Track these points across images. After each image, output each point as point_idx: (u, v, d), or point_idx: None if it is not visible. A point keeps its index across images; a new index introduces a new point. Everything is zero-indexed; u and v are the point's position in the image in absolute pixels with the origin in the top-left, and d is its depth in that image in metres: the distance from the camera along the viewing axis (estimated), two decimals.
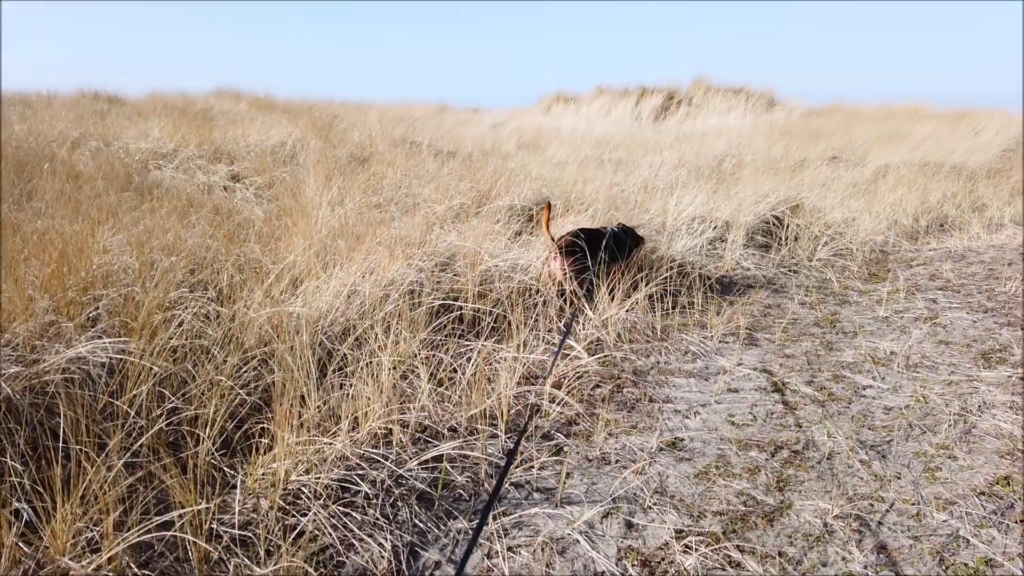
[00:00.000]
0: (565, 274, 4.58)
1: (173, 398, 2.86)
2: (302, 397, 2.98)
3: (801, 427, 3.18)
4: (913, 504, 2.57)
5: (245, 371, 3.15)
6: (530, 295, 4.46)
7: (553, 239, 4.73)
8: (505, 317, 4.12)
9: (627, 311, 4.38)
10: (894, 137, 15.10)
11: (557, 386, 3.49)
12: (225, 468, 2.64)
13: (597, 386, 3.66)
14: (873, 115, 19.78)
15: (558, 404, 3.36)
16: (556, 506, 2.59)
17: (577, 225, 5.54)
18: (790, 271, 5.78)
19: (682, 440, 3.12)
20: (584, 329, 4.17)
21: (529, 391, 3.47)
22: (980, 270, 5.45)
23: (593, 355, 3.88)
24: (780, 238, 6.34)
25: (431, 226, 5.63)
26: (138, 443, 2.57)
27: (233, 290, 3.85)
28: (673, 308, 4.65)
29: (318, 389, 3.09)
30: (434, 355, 3.59)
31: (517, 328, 3.86)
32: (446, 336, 3.89)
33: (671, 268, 5.09)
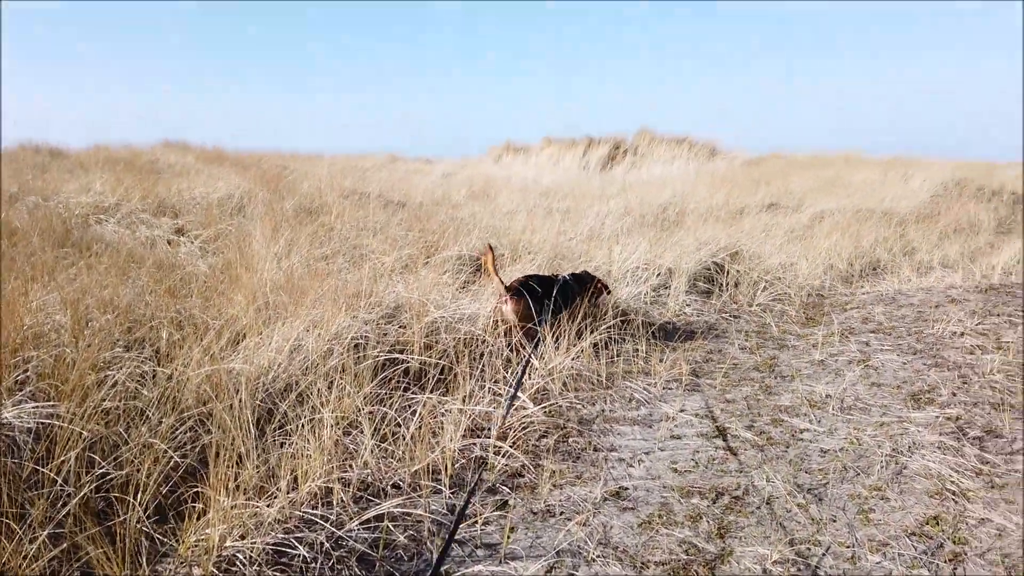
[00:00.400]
0: (517, 316, 4.61)
1: (103, 463, 2.76)
2: (239, 458, 2.90)
3: (742, 472, 3.22)
4: (848, 547, 2.61)
5: (181, 433, 3.06)
6: (476, 345, 4.46)
7: (503, 283, 4.76)
8: (451, 369, 4.10)
9: (573, 359, 4.41)
10: (830, 184, 15.73)
11: (503, 438, 3.48)
12: (157, 536, 2.54)
13: (543, 436, 3.65)
14: (810, 163, 20.60)
15: (503, 456, 3.34)
16: (500, 562, 2.55)
17: (524, 273, 5.58)
18: (731, 316, 5.91)
19: (626, 489, 3.12)
20: (530, 378, 4.17)
21: (475, 443, 3.45)
22: (910, 312, 5.66)
23: (539, 404, 3.88)
24: (721, 284, 6.49)
25: (378, 278, 5.61)
26: (63, 512, 2.46)
27: (172, 348, 3.76)
28: (618, 355, 4.70)
29: (257, 449, 3.02)
30: (378, 410, 3.55)
31: (463, 380, 3.84)
32: (391, 390, 3.85)
33: (616, 316, 5.16)
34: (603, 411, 3.95)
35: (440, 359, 4.22)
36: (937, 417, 3.59)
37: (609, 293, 5.26)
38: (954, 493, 2.89)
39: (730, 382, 4.36)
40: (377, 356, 3.99)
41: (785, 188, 14.57)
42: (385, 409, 3.53)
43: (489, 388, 4.00)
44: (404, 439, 3.31)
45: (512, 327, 4.64)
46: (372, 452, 3.20)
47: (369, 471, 3.12)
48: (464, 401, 3.69)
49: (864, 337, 5.09)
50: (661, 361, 4.62)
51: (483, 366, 4.21)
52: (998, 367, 4.20)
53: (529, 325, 4.62)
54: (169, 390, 3.30)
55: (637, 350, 4.76)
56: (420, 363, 4.16)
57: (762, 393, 4.14)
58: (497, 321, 4.73)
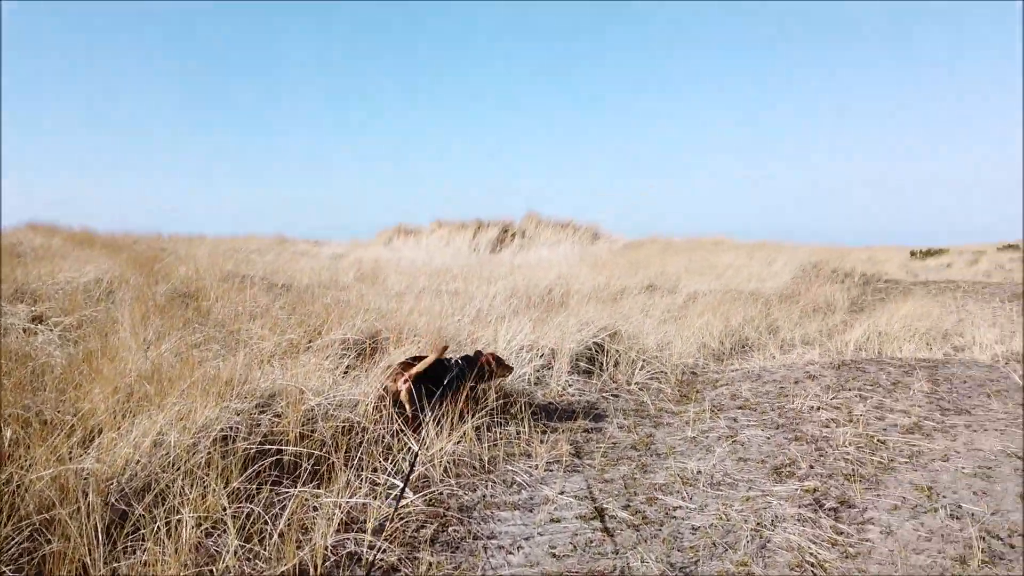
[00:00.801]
0: (410, 396, 4.54)
1: None
2: (84, 568, 2.64)
3: (618, 553, 3.24)
4: None
5: (15, 543, 2.76)
6: (356, 433, 4.33)
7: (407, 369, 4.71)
8: (328, 459, 3.95)
9: (455, 443, 4.36)
10: (702, 266, 16.70)
11: (379, 531, 3.35)
12: None
13: (422, 526, 3.55)
14: (684, 246, 21.85)
15: (379, 551, 3.21)
16: None
17: (408, 355, 5.53)
18: (611, 395, 6.05)
19: None
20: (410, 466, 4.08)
21: (348, 539, 3.30)
22: (773, 388, 6.00)
23: (419, 493, 3.79)
24: (602, 363, 6.67)
25: (255, 364, 5.40)
26: None
27: (14, 447, 3.43)
28: (500, 438, 4.69)
29: (107, 557, 2.77)
30: (245, 506, 3.35)
31: (339, 470, 3.71)
32: (261, 484, 3.66)
33: (499, 397, 5.18)
34: (484, 496, 3.90)
35: (317, 449, 4.06)
36: (796, 490, 3.77)
37: (509, 371, 5.24)
38: (812, 565, 3.01)
39: (608, 461, 4.42)
40: (247, 448, 3.80)
41: (662, 270, 15.34)
42: (252, 506, 3.34)
43: (367, 478, 3.87)
44: (272, 537, 3.13)
45: (403, 405, 4.59)
46: (235, 554, 3.00)
47: (232, 575, 2.92)
48: (339, 493, 3.55)
49: (732, 413, 5.33)
50: (543, 442, 4.64)
51: (361, 455, 4.08)
52: (850, 439, 4.49)
53: (417, 406, 4.57)
54: (6, 495, 2.99)
55: (520, 432, 4.76)
56: (294, 454, 3.98)
57: (639, 471, 4.22)
58: (384, 397, 4.66)
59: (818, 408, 5.19)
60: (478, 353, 5.19)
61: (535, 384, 6.11)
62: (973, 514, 3.45)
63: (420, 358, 4.96)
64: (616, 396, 6.04)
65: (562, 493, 3.94)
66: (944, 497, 3.61)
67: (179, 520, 3.09)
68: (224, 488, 3.43)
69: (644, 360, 6.89)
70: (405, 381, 4.65)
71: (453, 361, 5.01)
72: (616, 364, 6.83)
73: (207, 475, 3.44)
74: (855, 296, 14.82)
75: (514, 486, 4.04)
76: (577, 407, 5.65)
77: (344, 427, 4.34)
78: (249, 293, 9.04)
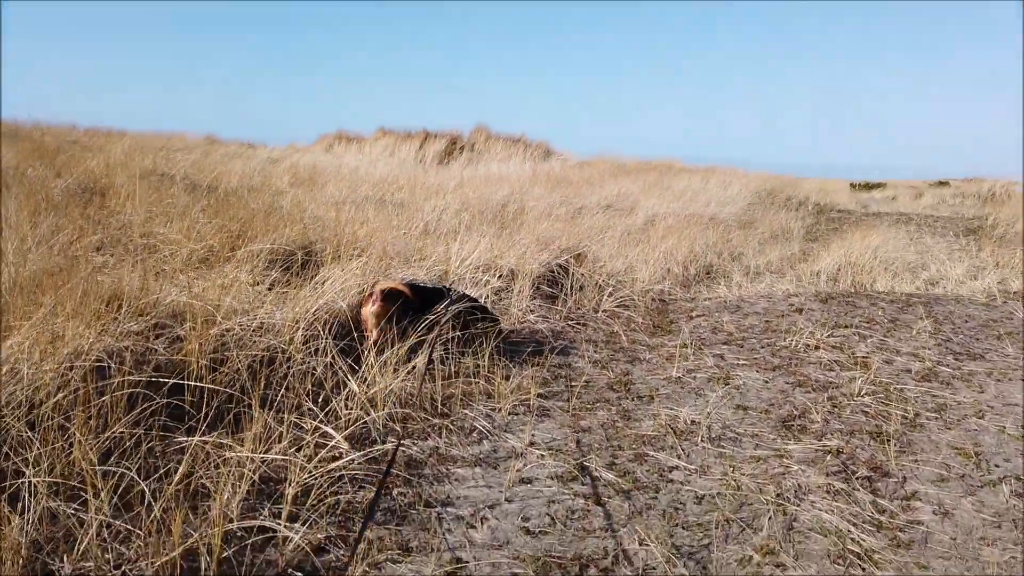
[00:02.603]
0: (379, 321, 3.74)
1: None
2: None
3: (609, 530, 2.54)
4: None
5: None
6: (279, 365, 3.48)
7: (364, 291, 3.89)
8: (241, 398, 3.10)
9: (402, 380, 3.56)
10: (657, 188, 15.97)
11: (302, 497, 2.56)
12: None
13: (361, 488, 2.78)
14: (636, 168, 21.06)
15: (303, 525, 2.43)
16: None
17: (332, 281, 4.65)
18: (578, 323, 5.32)
19: (465, 564, 2.34)
20: (348, 409, 3.27)
21: (261, 509, 2.50)
22: (757, 322, 5.36)
23: (358, 448, 3.00)
24: (566, 288, 5.90)
25: (157, 275, 4.43)
26: None
27: None
28: (456, 374, 3.91)
29: None
30: (122, 464, 2.49)
31: (255, 413, 2.88)
32: (148, 430, 2.79)
33: (455, 326, 4.37)
34: (437, 448, 3.13)
35: (226, 386, 3.20)
36: (816, 451, 3.13)
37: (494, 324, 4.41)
38: (857, 556, 2.37)
39: (583, 404, 3.71)
40: (134, 384, 2.90)
41: (617, 191, 14.55)
42: (126, 467, 2.48)
43: (291, 423, 3.05)
44: (155, 508, 2.30)
45: (372, 331, 3.78)
46: (99, 534, 2.17)
47: (92, 564, 2.09)
48: (253, 445, 2.73)
49: (717, 349, 4.67)
50: (507, 379, 3.89)
51: (283, 393, 3.25)
52: (864, 387, 3.87)
53: (393, 328, 3.78)
54: None
55: (479, 367, 3.99)
56: (196, 392, 3.11)
57: (620, 419, 3.52)
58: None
59: (816, 347, 4.57)
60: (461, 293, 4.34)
61: (493, 309, 5.31)
62: None
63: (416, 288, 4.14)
64: (583, 325, 5.31)
65: (532, 444, 3.21)
66: (997, 467, 3.03)
67: (27, 484, 2.24)
68: (96, 439, 2.57)
69: (611, 286, 6.16)
70: (374, 301, 3.82)
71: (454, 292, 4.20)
72: (582, 288, 6.08)
73: (70, 421, 2.56)
74: (809, 225, 14.42)
75: (473, 435, 3.28)
76: (542, 337, 4.89)
77: (264, 357, 3.47)
78: (167, 193, 7.86)
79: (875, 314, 5.44)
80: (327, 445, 2.94)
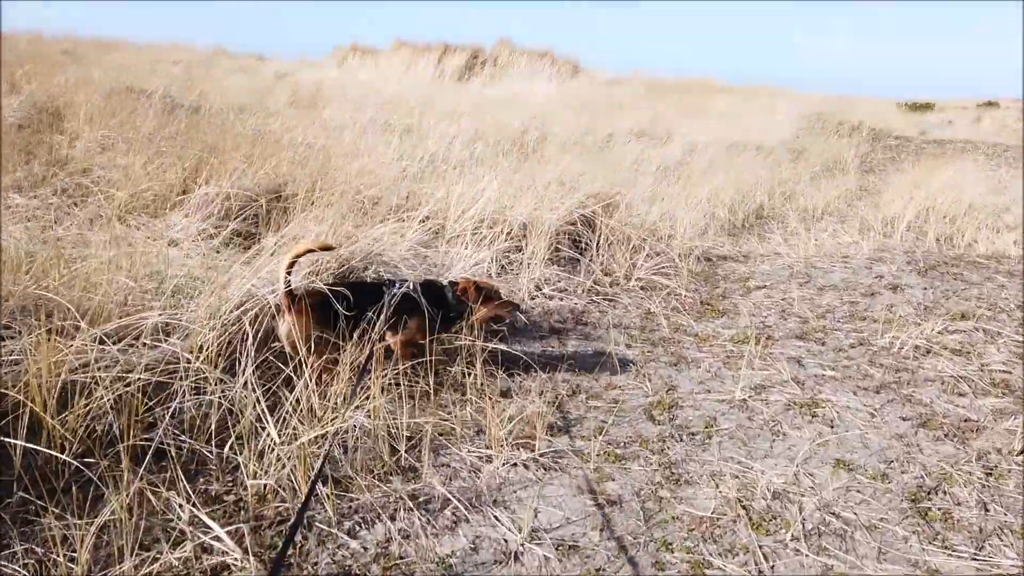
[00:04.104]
0: (296, 336, 2.62)
1: None
2: None
3: None
4: None
5: None
6: (171, 397, 2.38)
7: (288, 284, 2.67)
8: (99, 461, 2.02)
9: (352, 412, 2.45)
10: (694, 111, 14.34)
11: None
12: None
13: None
14: (672, 87, 19.22)
15: None
16: None
17: (288, 244, 3.48)
18: (605, 299, 4.13)
19: None
20: (264, 469, 2.17)
21: None
22: (837, 301, 4.12)
23: (264, 522, 1.92)
24: (591, 248, 4.68)
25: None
26: None
27: None
28: (436, 390, 2.80)
29: None
30: None
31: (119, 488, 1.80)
32: None
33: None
34: (389, 540, 2.04)
35: (83, 437, 2.11)
36: (980, 574, 1.96)
37: (508, 312, 3.11)
38: None
39: (611, 448, 2.57)
40: None
41: (652, 114, 12.98)
42: None
43: (166, 502, 1.96)
44: None
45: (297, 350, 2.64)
46: None
47: None
48: (89, 556, 1.65)
49: (792, 348, 3.47)
50: (504, 400, 2.76)
51: (171, 440, 2.16)
52: None
53: (324, 349, 2.64)
54: None
55: (467, 376, 2.85)
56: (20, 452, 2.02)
57: (664, 480, 2.38)
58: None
59: (928, 351, 3.35)
60: (450, 284, 3.09)
61: (497, 277, 4.14)
62: None
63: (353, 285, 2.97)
64: (611, 301, 4.12)
65: (534, 535, 2.10)
66: None
67: None
68: None
69: (647, 243, 4.93)
70: (298, 304, 2.67)
71: (398, 283, 2.97)
72: (610, 245, 4.84)
73: None
74: (864, 154, 12.82)
75: (447, 512, 2.18)
76: (557, 322, 3.73)
77: (144, 386, 2.36)
78: (140, 114, 6.65)
79: (992, 293, 4.16)
80: (213, 549, 1.87)
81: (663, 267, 4.58)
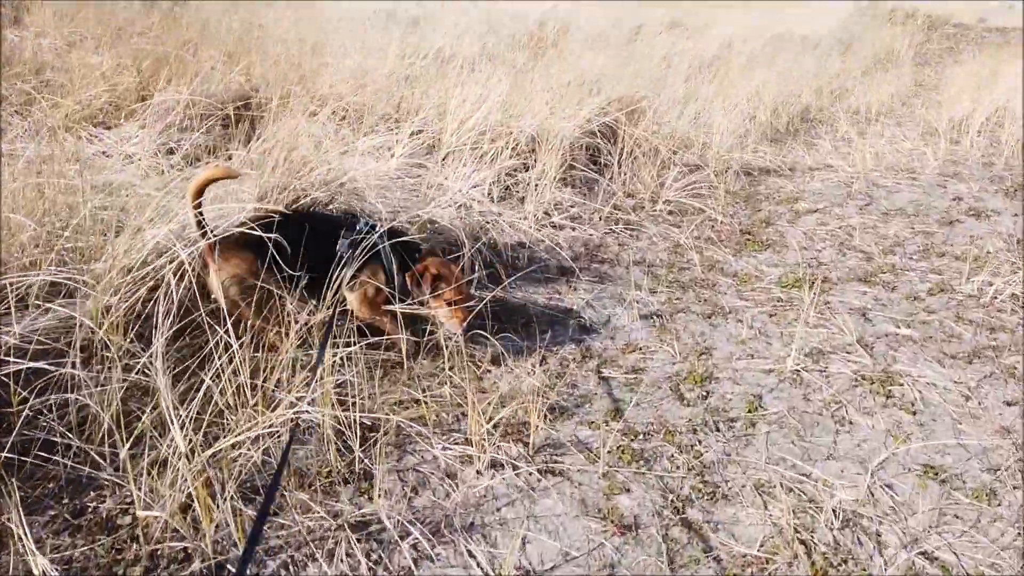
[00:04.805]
0: (231, 288, 2.04)
1: None
2: None
3: None
4: None
5: None
6: (58, 387, 1.83)
7: (203, 225, 2.04)
8: None
9: (297, 397, 1.88)
10: None
11: None
12: None
13: None
14: None
15: None
16: None
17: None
18: (626, 227, 3.45)
19: None
20: (142, 506, 1.63)
21: None
22: (907, 231, 3.39)
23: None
24: (612, 163, 3.94)
25: None
26: None
27: None
28: (415, 354, 2.22)
29: None
30: None
31: None
32: None
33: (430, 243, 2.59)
34: None
35: None
36: None
37: (459, 323, 2.24)
38: None
39: (628, 437, 1.99)
40: None
41: (686, 3, 11.66)
42: None
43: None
44: None
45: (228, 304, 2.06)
46: None
47: None
48: None
49: (853, 294, 2.79)
50: (491, 378, 2.18)
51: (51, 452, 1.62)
52: None
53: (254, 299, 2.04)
54: None
55: (447, 343, 2.25)
56: None
57: (697, 494, 1.80)
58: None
59: None
60: (410, 246, 2.39)
61: (500, 201, 3.46)
62: None
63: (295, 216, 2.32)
64: (634, 230, 3.44)
65: None
66: None
67: None
68: None
69: (676, 155, 4.18)
70: (224, 250, 2.07)
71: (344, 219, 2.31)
72: (634, 158, 4.10)
73: None
74: (919, 44, 11.48)
75: (407, 541, 1.63)
76: (566, 257, 3.08)
77: (24, 372, 1.80)
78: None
79: None
80: None
81: (696, 186, 3.85)
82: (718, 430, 2.02)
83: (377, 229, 2.21)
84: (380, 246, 2.18)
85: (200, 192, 1.99)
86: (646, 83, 5.42)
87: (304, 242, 2.07)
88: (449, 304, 2.20)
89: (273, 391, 1.89)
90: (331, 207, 2.77)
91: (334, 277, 2.09)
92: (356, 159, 3.09)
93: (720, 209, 3.69)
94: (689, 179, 3.86)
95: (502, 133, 3.82)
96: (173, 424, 1.67)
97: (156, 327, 1.90)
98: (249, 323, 2.08)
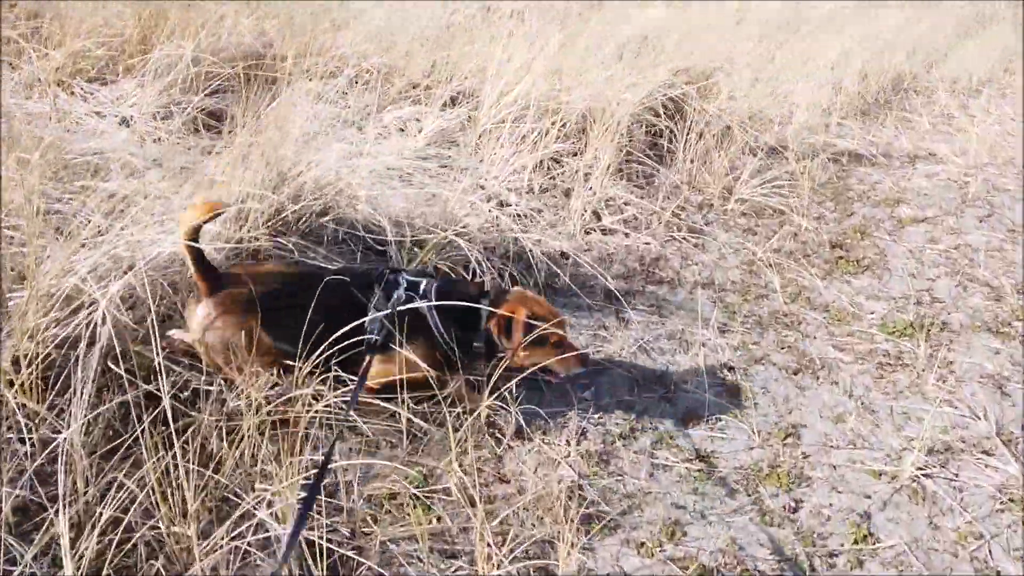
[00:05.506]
0: (214, 344, 1.58)
1: None
2: None
3: None
4: None
5: None
6: None
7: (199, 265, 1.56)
8: None
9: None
10: None
11: None
12: None
13: None
14: None
15: None
16: None
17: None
18: (691, 234, 2.83)
19: None
20: None
21: None
22: None
23: None
24: (676, 149, 3.28)
25: None
26: None
27: None
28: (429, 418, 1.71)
29: None
30: None
31: None
32: None
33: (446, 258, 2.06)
34: None
35: None
36: None
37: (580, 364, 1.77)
38: None
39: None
40: None
41: None
42: None
43: None
44: None
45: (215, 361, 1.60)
46: None
47: None
48: None
49: (981, 352, 2.15)
50: (513, 457, 1.66)
51: None
52: None
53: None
54: None
55: (462, 407, 1.73)
56: None
57: None
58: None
59: None
60: (480, 290, 1.78)
61: (539, 197, 2.87)
62: None
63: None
64: (699, 234, 2.82)
65: None
66: None
67: None
68: None
69: (752, 137, 3.50)
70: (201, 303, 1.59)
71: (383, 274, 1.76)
72: (703, 141, 3.42)
73: None
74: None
75: None
76: (622, 269, 2.49)
77: None
78: None
79: None
80: None
81: (775, 181, 3.18)
82: (813, 570, 1.47)
83: (421, 285, 1.66)
84: (424, 308, 1.63)
85: (195, 233, 1.50)
86: (716, 43, 4.66)
87: (322, 308, 1.54)
88: (555, 347, 1.68)
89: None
90: (326, 218, 2.22)
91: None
92: (363, 160, 2.52)
93: (804, 210, 3.03)
94: (767, 169, 3.19)
95: (548, 109, 3.19)
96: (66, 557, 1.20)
97: (77, 384, 1.43)
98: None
